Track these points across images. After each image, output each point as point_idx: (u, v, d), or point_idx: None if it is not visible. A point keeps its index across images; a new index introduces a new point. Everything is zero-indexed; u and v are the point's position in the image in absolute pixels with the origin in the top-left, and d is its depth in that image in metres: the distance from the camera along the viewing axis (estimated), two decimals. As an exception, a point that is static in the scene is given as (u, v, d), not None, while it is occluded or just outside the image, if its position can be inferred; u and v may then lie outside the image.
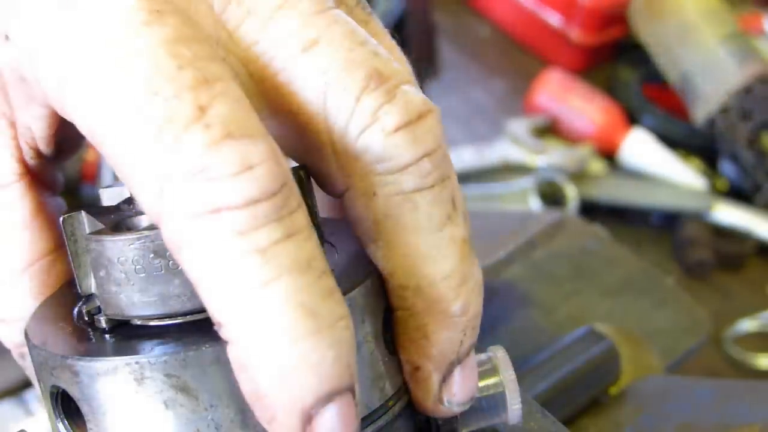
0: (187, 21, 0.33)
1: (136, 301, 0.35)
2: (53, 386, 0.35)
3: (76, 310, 0.37)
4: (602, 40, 1.35)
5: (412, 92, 0.35)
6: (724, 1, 1.25)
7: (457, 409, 0.38)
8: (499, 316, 0.63)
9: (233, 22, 0.35)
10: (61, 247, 0.39)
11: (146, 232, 0.34)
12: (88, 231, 0.36)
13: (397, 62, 0.36)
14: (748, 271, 1.13)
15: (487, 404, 0.39)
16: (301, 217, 0.32)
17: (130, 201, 0.37)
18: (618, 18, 1.32)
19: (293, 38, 0.34)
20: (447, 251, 0.35)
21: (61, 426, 0.36)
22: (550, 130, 1.26)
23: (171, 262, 0.34)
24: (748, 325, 1.05)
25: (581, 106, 1.25)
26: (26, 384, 0.79)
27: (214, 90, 0.31)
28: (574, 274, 0.69)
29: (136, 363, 0.33)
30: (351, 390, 0.32)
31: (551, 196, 1.15)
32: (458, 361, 0.37)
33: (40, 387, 0.37)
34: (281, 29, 0.34)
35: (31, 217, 0.39)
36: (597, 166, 1.20)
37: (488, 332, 0.61)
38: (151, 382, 0.34)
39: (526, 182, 1.15)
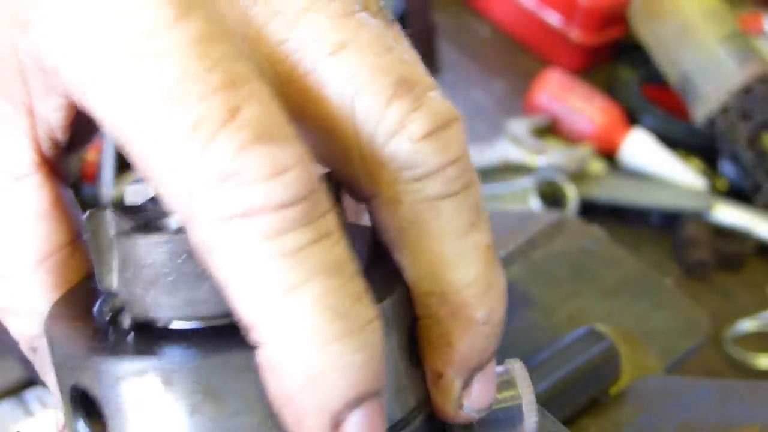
0: (213, 18, 0.32)
1: (163, 303, 0.34)
2: (74, 385, 0.35)
3: (96, 308, 0.37)
4: (602, 40, 1.35)
5: (438, 99, 0.35)
6: (724, 1, 1.25)
7: (476, 415, 0.37)
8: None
9: (260, 20, 0.34)
10: (77, 240, 0.39)
11: (177, 236, 0.34)
12: (114, 229, 0.35)
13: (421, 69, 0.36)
14: (748, 271, 1.13)
15: (503, 416, 0.39)
16: (331, 220, 0.32)
17: (156, 200, 0.37)
18: (618, 18, 1.32)
19: (322, 40, 0.34)
20: (472, 258, 0.35)
21: (80, 426, 0.36)
22: (550, 130, 1.26)
23: (200, 266, 0.33)
24: (748, 325, 1.05)
25: (581, 106, 1.25)
26: (26, 384, 0.79)
27: (243, 92, 0.31)
28: (573, 275, 0.69)
29: (164, 366, 0.33)
30: (379, 395, 0.32)
31: (551, 196, 1.15)
32: (480, 367, 0.37)
33: (58, 383, 0.36)
34: (309, 30, 0.34)
35: (48, 208, 0.38)
36: (597, 166, 1.20)
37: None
38: (178, 386, 0.33)
39: (526, 182, 1.15)
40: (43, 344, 0.39)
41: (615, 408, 0.57)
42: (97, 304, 0.37)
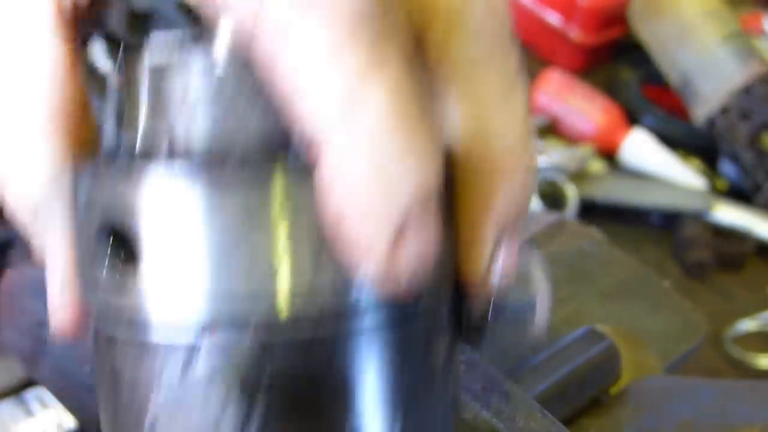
0: None
1: (201, 134, 0.33)
2: (101, 224, 0.33)
3: (121, 151, 0.35)
4: (602, 40, 1.35)
5: None
6: (724, 1, 1.25)
7: (499, 285, 0.38)
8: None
9: None
10: (88, 101, 0.38)
11: (223, 53, 0.32)
12: (148, 60, 0.34)
13: None
14: (748, 271, 1.13)
15: (517, 309, 0.39)
16: (399, 25, 0.32)
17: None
18: (618, 18, 1.32)
19: None
20: (514, 115, 0.36)
21: (107, 270, 0.33)
22: (550, 130, 1.26)
23: (247, 90, 0.32)
24: (748, 325, 1.05)
25: (581, 106, 1.25)
26: (26, 384, 0.79)
27: None
28: (571, 276, 0.69)
29: (211, 176, 0.31)
30: (435, 210, 0.32)
31: (551, 196, 1.15)
32: (510, 229, 0.38)
33: (80, 231, 0.34)
34: None
35: (64, 62, 0.38)
36: (597, 166, 1.20)
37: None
38: (225, 200, 0.31)
39: (526, 182, 1.15)
40: (47, 206, 0.38)
41: (615, 408, 0.57)
42: (121, 150, 0.35)
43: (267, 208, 0.32)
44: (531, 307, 0.39)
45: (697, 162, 1.22)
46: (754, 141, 1.15)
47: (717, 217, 1.15)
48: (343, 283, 0.33)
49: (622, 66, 1.33)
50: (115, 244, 0.33)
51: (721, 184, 1.21)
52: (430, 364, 0.36)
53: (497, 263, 0.38)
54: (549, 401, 0.52)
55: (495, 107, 0.36)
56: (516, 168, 0.37)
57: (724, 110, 1.17)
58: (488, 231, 0.37)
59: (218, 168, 0.32)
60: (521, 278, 0.40)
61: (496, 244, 0.37)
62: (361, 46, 0.31)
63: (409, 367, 0.35)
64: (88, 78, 0.39)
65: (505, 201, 0.37)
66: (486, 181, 0.37)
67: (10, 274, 0.66)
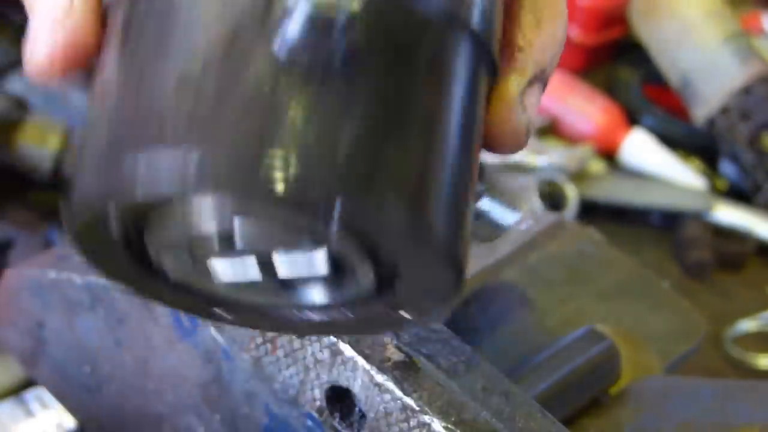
0: None
1: None
2: None
3: None
4: (602, 40, 1.34)
5: None
6: (724, 1, 1.25)
7: (524, 127, 0.40)
8: (499, 317, 0.64)
9: None
10: None
11: None
12: None
13: None
14: (748, 271, 1.13)
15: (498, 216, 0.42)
16: None
17: None
18: (618, 18, 1.32)
19: None
20: None
21: None
22: (550, 130, 1.26)
23: None
24: (748, 325, 1.05)
25: (581, 106, 1.25)
26: (26, 384, 0.79)
27: None
28: (570, 277, 0.69)
29: None
30: None
31: (551, 196, 1.15)
32: (541, 80, 0.40)
33: None
34: None
35: None
36: (597, 166, 1.20)
37: (488, 332, 0.61)
38: None
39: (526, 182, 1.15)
40: None
41: (615, 408, 0.57)
42: None
43: None
44: (513, 217, 0.41)
45: (697, 162, 1.22)
46: (754, 141, 1.15)
47: (717, 217, 1.15)
48: None
49: (622, 66, 1.33)
50: None
51: (721, 184, 1.21)
52: (474, 96, 0.38)
53: (526, 99, 0.39)
54: (549, 401, 0.52)
55: None
56: (558, 15, 0.40)
57: (724, 110, 1.17)
58: (528, 58, 0.39)
59: None
60: (513, 194, 0.41)
61: (530, 81, 0.39)
62: None
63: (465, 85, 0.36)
64: None
65: (550, 35, 0.40)
66: (538, 8, 0.39)
67: (10, 274, 0.66)
